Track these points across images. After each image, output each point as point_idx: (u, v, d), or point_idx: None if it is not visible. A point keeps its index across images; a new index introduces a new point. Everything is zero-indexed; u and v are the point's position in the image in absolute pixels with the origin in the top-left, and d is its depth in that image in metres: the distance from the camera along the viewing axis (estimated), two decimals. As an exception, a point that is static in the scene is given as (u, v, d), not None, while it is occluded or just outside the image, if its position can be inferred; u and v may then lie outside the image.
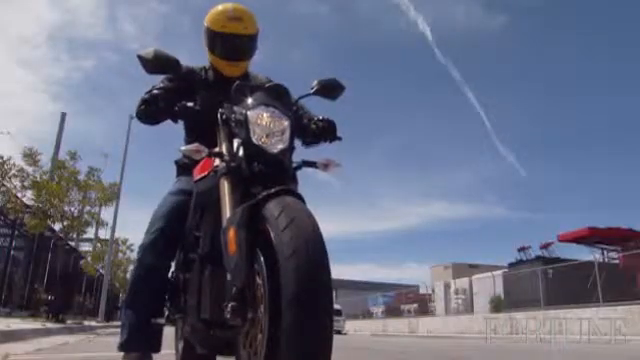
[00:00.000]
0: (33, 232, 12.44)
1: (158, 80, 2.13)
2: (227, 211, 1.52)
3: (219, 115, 1.75)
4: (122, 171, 19.37)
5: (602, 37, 73.62)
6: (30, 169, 11.92)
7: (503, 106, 79.32)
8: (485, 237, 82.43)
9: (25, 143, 16.29)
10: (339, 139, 2.12)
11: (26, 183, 11.70)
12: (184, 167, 2.15)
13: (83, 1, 69.10)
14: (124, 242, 25.36)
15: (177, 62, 1.88)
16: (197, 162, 1.84)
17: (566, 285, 18.17)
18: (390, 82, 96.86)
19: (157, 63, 1.83)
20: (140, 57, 1.83)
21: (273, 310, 1.23)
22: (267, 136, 1.57)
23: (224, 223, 1.48)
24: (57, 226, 13.82)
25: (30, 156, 12.01)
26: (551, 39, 79.57)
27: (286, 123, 1.62)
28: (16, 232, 12.39)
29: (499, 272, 24.50)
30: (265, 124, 1.58)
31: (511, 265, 24.63)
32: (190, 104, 1.88)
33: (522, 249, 24.92)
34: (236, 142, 1.64)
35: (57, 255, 15.02)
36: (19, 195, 11.69)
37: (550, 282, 19.29)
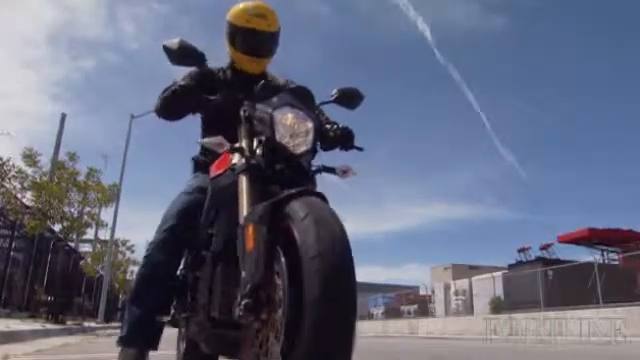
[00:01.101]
0: (33, 233, 12.42)
1: (178, 77, 2.13)
2: (245, 208, 1.50)
3: (242, 112, 1.73)
4: (122, 172, 19.39)
5: (602, 37, 73.77)
6: (30, 170, 11.93)
7: (503, 107, 79.43)
8: (485, 238, 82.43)
9: (25, 144, 16.27)
10: (359, 149, 2.11)
11: (26, 184, 11.70)
12: (201, 164, 2.16)
13: (83, 1, 69.17)
14: (124, 243, 25.36)
15: (202, 55, 1.86)
16: (214, 159, 1.84)
17: (566, 286, 18.16)
18: (390, 83, 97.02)
19: (182, 54, 1.82)
20: (165, 47, 1.82)
21: (292, 310, 1.21)
22: (291, 136, 1.56)
23: (242, 219, 1.46)
24: (57, 227, 13.82)
25: (30, 157, 12.00)
26: (551, 39, 79.71)
27: (310, 125, 1.61)
28: (16, 233, 12.36)
29: (499, 273, 24.48)
30: (290, 124, 1.57)
31: (511, 266, 24.62)
32: (212, 97, 1.89)
33: (522, 250, 24.93)
34: (257, 140, 1.64)
35: (57, 256, 15.02)
36: (19, 196, 11.69)
37: (550, 283, 19.28)
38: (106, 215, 18.07)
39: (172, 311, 2.12)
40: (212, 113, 1.96)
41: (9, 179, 11.19)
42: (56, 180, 12.79)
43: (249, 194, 1.53)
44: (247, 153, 1.62)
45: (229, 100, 1.84)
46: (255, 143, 1.64)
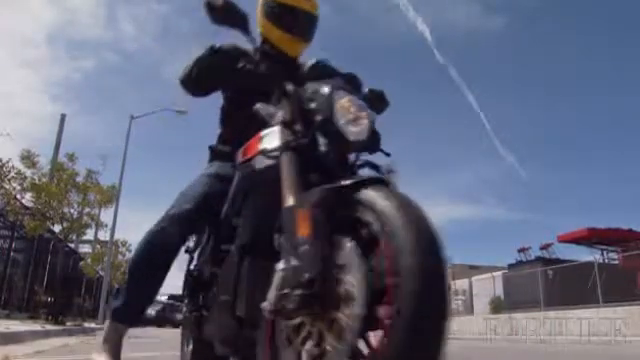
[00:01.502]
0: (33, 234, 12.43)
1: (206, 48, 1.96)
2: (291, 190, 1.34)
3: (288, 87, 1.60)
4: (122, 173, 19.34)
5: (602, 37, 73.93)
6: (28, 171, 11.94)
7: (503, 107, 79.60)
8: (485, 238, 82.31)
9: (25, 144, 16.31)
10: (386, 154, 1.97)
11: (25, 185, 11.71)
12: (218, 153, 2.05)
13: (83, 1, 69.27)
14: (124, 244, 25.35)
15: (246, 16, 1.68)
16: (234, 148, 1.76)
17: (566, 286, 18.19)
18: (389, 83, 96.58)
19: (225, 12, 1.66)
20: (208, 3, 1.67)
21: (365, 306, 1.09)
22: (347, 122, 1.42)
23: (288, 202, 1.31)
24: (57, 228, 13.83)
25: (28, 158, 12.02)
26: (551, 39, 79.86)
27: (368, 114, 1.47)
28: (16, 234, 12.38)
29: (499, 273, 24.50)
30: (347, 109, 1.43)
31: (511, 266, 24.65)
32: (249, 66, 1.74)
33: (522, 250, 24.97)
34: (306, 120, 1.48)
35: (57, 257, 15.01)
36: (18, 197, 11.70)
37: (550, 283, 19.30)
38: (106, 216, 18.07)
39: (184, 309, 2.04)
40: (245, 87, 1.80)
41: (8, 180, 11.20)
42: (55, 181, 12.79)
43: (296, 176, 1.37)
44: (294, 132, 1.46)
45: (269, 75, 1.69)
46: (302, 123, 1.48)
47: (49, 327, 8.94)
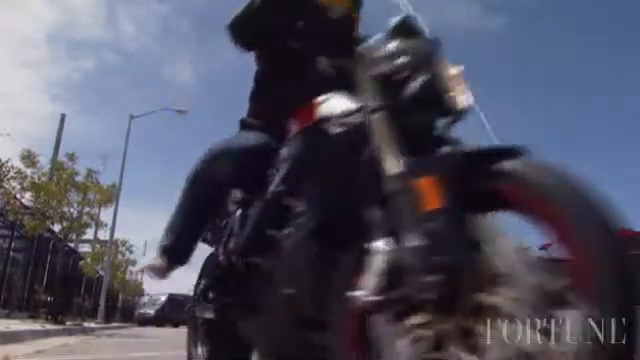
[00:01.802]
0: (32, 233, 12.43)
1: None
2: (394, 153, 1.14)
3: (374, 40, 1.38)
4: (122, 172, 19.36)
5: (602, 37, 73.92)
6: (28, 171, 11.94)
7: (503, 107, 79.69)
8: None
9: (25, 144, 16.34)
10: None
11: (25, 184, 11.71)
12: (249, 126, 1.80)
13: (83, 1, 69.30)
14: (123, 243, 25.36)
15: None
16: (268, 123, 1.60)
17: (566, 286, 18.21)
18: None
19: None
20: None
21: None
22: (451, 88, 1.22)
23: (394, 168, 1.11)
24: (56, 227, 13.83)
25: (28, 158, 12.02)
26: (551, 39, 79.92)
27: (465, 80, 1.26)
28: (15, 233, 12.38)
29: (499, 273, 24.54)
30: (453, 74, 1.23)
31: (511, 266, 24.65)
32: (320, 11, 1.50)
33: (522, 250, 24.93)
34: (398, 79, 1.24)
35: (56, 256, 15.00)
36: (18, 196, 11.70)
37: (550, 283, 19.32)
38: (106, 215, 18.07)
39: (212, 307, 1.89)
40: (310, 38, 1.56)
41: (8, 180, 11.19)
42: (55, 180, 12.79)
43: (396, 139, 1.16)
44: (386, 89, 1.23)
45: (346, 24, 1.46)
46: (389, 84, 1.25)
47: (49, 326, 8.94)
